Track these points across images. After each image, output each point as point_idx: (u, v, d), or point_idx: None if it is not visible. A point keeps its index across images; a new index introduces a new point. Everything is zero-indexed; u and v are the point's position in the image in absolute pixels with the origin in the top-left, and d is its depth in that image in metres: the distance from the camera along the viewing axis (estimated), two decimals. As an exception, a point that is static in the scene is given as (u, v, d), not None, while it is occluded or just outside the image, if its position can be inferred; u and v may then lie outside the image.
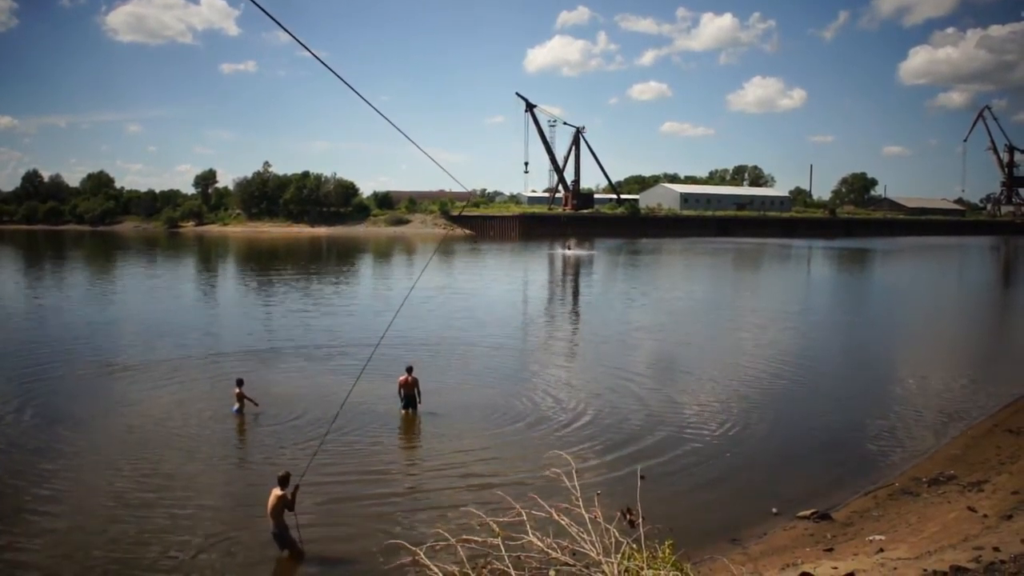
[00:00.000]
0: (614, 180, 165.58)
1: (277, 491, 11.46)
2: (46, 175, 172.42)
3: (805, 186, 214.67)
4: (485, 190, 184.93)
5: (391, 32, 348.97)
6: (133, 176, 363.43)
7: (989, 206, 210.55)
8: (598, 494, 7.74)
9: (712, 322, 37.83)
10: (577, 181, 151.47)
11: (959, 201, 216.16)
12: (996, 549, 9.63)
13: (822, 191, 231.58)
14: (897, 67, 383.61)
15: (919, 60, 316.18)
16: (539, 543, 6.95)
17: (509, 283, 59.24)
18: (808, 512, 13.31)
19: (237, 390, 18.80)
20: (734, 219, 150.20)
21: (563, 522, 7.16)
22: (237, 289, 53.78)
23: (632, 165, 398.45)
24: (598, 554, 6.76)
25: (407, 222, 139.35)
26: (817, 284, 63.60)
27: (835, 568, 9.77)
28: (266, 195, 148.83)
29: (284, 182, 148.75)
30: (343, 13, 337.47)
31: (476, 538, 7.22)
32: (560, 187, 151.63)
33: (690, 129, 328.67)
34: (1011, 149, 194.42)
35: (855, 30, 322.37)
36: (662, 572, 6.64)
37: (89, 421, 18.68)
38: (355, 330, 32.17)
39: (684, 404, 20.77)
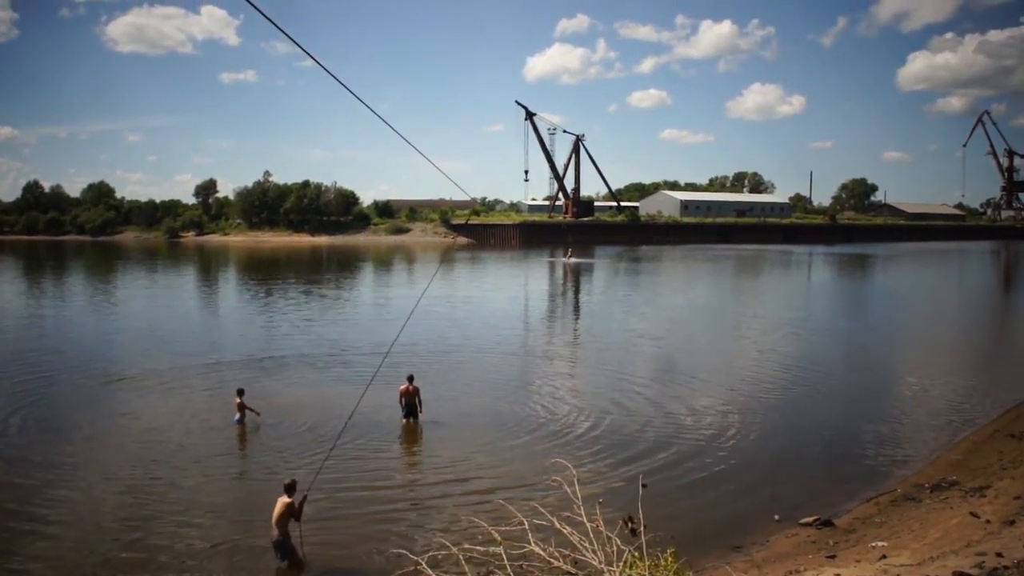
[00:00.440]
0: (614, 187, 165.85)
1: (284, 499, 11.41)
2: (46, 185, 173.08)
3: (805, 192, 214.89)
4: (485, 198, 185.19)
5: (390, 40, 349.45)
6: (133, 186, 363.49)
7: (989, 211, 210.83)
8: (600, 502, 7.74)
9: (713, 329, 37.83)
10: (577, 189, 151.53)
11: (959, 206, 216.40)
12: (999, 555, 9.61)
13: (822, 197, 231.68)
14: (896, 72, 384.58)
15: (918, 65, 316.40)
16: (541, 552, 6.94)
17: (510, 291, 59.24)
18: (810, 519, 13.29)
19: (238, 400, 18.80)
20: (734, 226, 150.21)
21: (565, 531, 7.15)
22: (238, 299, 53.78)
23: (632, 172, 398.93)
24: (600, 563, 6.75)
25: (407, 231, 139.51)
26: (818, 290, 63.58)
27: (838, 575, 9.76)
28: (266, 204, 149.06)
29: (284, 191, 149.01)
30: (341, 21, 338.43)
31: (478, 547, 7.22)
32: (560, 195, 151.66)
33: (690, 136, 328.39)
34: (1011, 154, 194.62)
35: (854, 36, 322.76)
36: (664, 580, 6.63)
37: (89, 431, 18.68)
38: (356, 339, 32.18)
39: (685, 411, 20.73)
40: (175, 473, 15.69)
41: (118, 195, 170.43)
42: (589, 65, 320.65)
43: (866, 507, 14.19)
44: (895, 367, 28.37)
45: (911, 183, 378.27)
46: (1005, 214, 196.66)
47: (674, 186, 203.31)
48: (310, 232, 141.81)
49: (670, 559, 6.86)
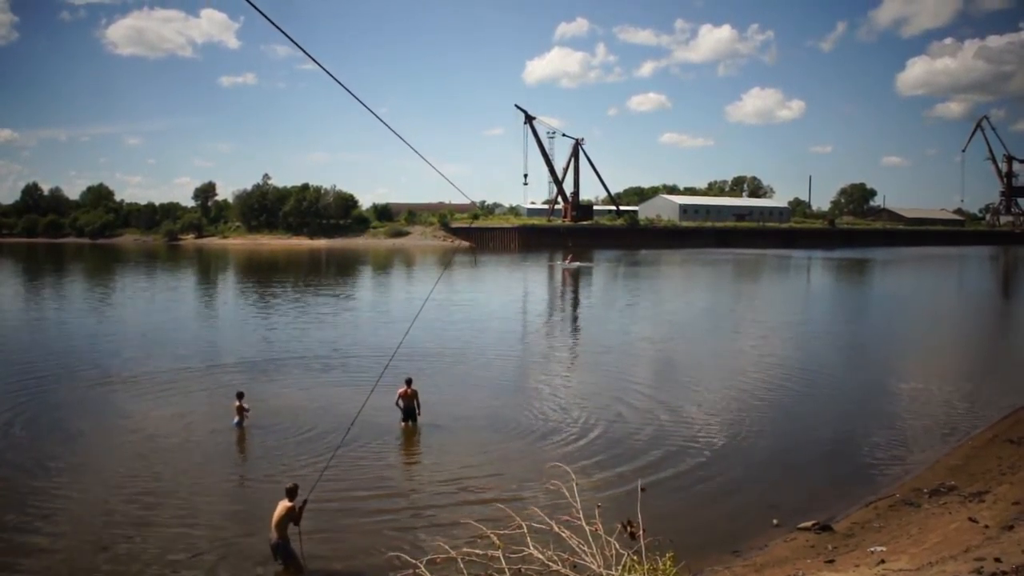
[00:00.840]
0: (613, 191, 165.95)
1: (285, 503, 11.41)
2: (46, 188, 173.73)
3: (804, 197, 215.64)
4: (485, 202, 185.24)
5: (389, 43, 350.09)
6: (133, 189, 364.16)
7: (988, 216, 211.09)
8: (599, 506, 7.74)
9: (712, 333, 37.85)
10: (576, 192, 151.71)
11: (958, 211, 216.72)
12: (997, 560, 9.61)
13: (821, 201, 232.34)
14: (895, 78, 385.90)
15: (917, 71, 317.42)
16: (540, 555, 6.95)
17: (509, 295, 59.25)
18: (809, 523, 13.28)
19: (237, 403, 18.78)
20: (733, 230, 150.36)
21: (564, 534, 7.16)
22: (237, 302, 53.75)
23: (631, 176, 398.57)
24: (599, 566, 6.75)
25: (406, 234, 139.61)
26: (817, 294, 63.64)
27: (836, 580, 9.75)
28: (266, 207, 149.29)
29: (284, 194, 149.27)
30: (341, 25, 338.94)
31: (477, 551, 7.22)
32: (559, 198, 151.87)
33: (689, 140, 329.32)
34: (1009, 159, 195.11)
35: (853, 41, 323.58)
36: (663, 584, 6.64)
37: (87, 435, 18.64)
38: (355, 343, 32.20)
39: (685, 415, 20.73)
40: (173, 477, 15.65)
41: (117, 198, 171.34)
42: (589, 69, 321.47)
43: (865, 512, 14.19)
44: (894, 372, 28.36)
45: (910, 188, 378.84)
46: (1004, 219, 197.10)
47: (673, 190, 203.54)
48: (309, 235, 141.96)
49: (669, 563, 6.87)
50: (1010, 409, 21.71)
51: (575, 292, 61.55)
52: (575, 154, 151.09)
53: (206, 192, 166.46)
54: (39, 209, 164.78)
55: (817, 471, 16.85)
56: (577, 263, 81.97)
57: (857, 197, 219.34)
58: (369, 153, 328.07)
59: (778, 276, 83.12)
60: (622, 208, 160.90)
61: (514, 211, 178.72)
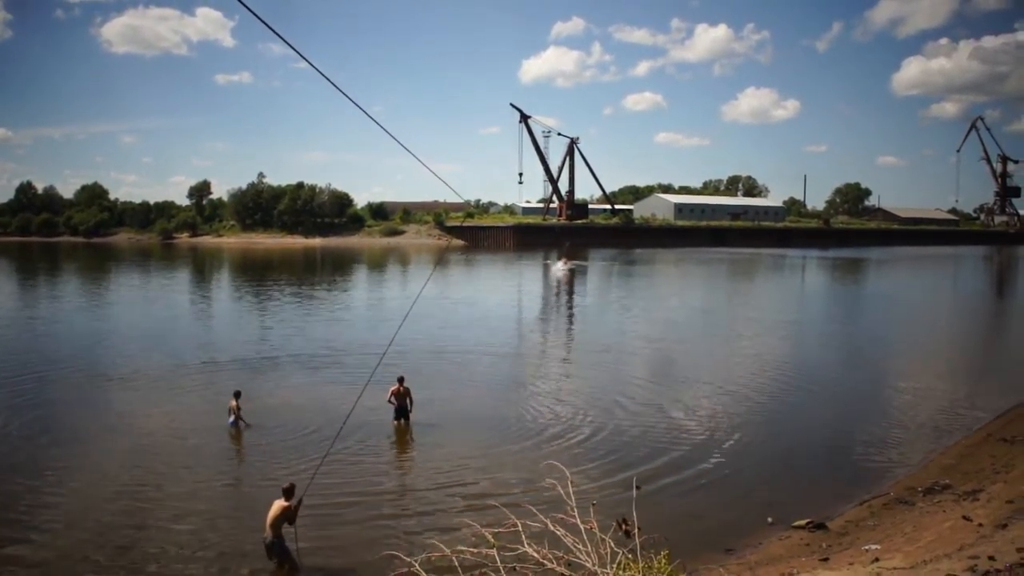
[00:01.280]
0: (608, 190, 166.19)
1: (281, 502, 11.39)
2: (40, 187, 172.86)
3: (799, 196, 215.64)
4: (480, 200, 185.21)
5: (384, 42, 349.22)
6: (127, 187, 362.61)
7: (983, 216, 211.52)
8: (594, 504, 7.73)
9: (707, 332, 37.89)
10: (572, 191, 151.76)
11: (953, 211, 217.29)
12: (991, 558, 9.63)
13: (816, 201, 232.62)
14: (891, 78, 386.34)
15: (912, 71, 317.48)
16: (535, 554, 6.93)
17: (504, 293, 59.20)
18: (803, 522, 13.30)
19: (234, 402, 18.69)
20: (728, 229, 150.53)
21: (559, 533, 7.14)
22: (232, 300, 53.67)
23: (626, 175, 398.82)
24: (594, 564, 6.74)
25: (401, 233, 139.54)
26: (812, 294, 63.76)
27: (831, 578, 9.76)
28: (260, 206, 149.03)
29: (278, 193, 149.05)
30: (336, 24, 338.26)
31: (471, 549, 7.20)
32: (554, 197, 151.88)
33: (684, 140, 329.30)
34: (1004, 159, 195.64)
35: (849, 41, 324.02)
36: (658, 582, 6.63)
37: (80, 434, 18.56)
38: (350, 341, 32.14)
39: (679, 414, 20.74)
40: (167, 476, 15.60)
41: (112, 196, 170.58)
42: (584, 68, 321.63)
43: (859, 510, 14.21)
44: (888, 371, 28.43)
45: (905, 188, 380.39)
46: (998, 219, 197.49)
47: (668, 189, 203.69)
48: (304, 234, 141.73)
49: (664, 561, 6.86)
50: (1004, 408, 21.79)
51: (570, 291, 61.56)
52: (570, 153, 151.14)
53: (201, 191, 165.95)
54: (33, 208, 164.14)
55: (812, 470, 16.89)
56: (574, 262, 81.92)
57: (852, 197, 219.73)
58: (364, 152, 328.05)
59: (773, 275, 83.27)
60: (617, 207, 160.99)
61: (509, 210, 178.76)
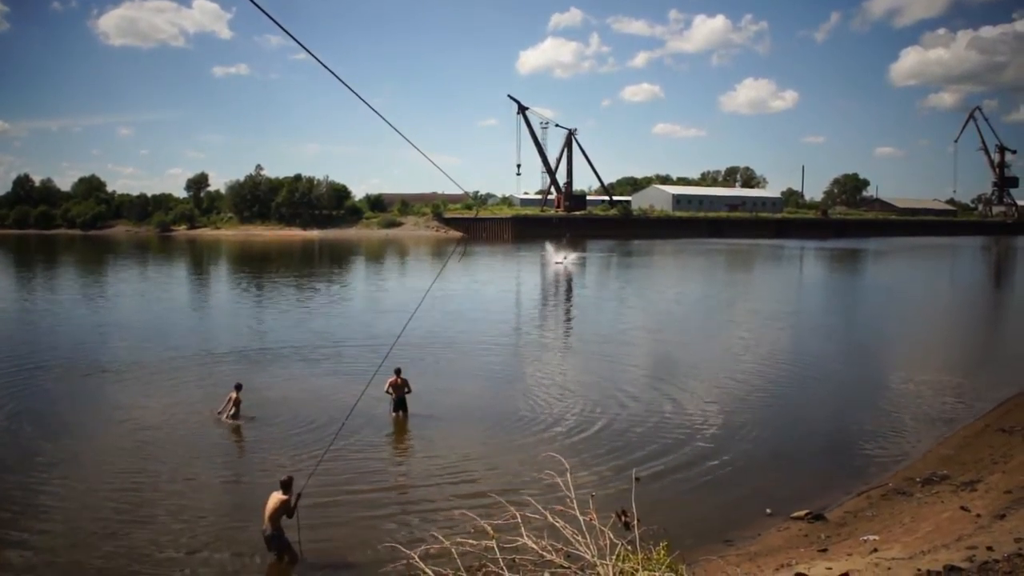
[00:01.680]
0: (606, 182, 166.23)
1: (279, 495, 11.35)
2: (37, 179, 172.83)
3: (797, 187, 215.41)
4: (478, 192, 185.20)
5: (382, 35, 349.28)
6: (125, 180, 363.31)
7: (980, 206, 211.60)
8: (593, 496, 7.72)
9: (706, 323, 37.92)
10: (569, 183, 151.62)
11: (950, 201, 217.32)
12: (990, 548, 9.66)
13: (814, 192, 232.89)
14: (888, 68, 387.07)
15: (910, 61, 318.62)
16: (534, 545, 6.93)
17: (503, 284, 59.12)
18: (802, 513, 13.32)
19: (235, 394, 18.63)
20: (726, 220, 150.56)
21: (558, 524, 7.14)
22: (230, 292, 53.58)
23: (624, 167, 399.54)
24: (593, 556, 6.74)
25: (400, 224, 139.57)
26: (810, 285, 63.77)
27: (829, 568, 9.78)
28: (258, 198, 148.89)
29: (276, 185, 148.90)
30: (334, 16, 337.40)
31: (471, 541, 7.20)
32: (552, 189, 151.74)
33: (682, 131, 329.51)
34: (1002, 149, 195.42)
35: (846, 31, 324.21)
36: (657, 573, 6.62)
37: (78, 426, 18.55)
38: (349, 333, 32.12)
39: (678, 406, 20.74)
40: (166, 468, 15.58)
41: (109, 189, 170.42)
42: (582, 59, 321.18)
43: (857, 501, 14.24)
44: (886, 362, 28.46)
45: (903, 178, 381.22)
46: (996, 210, 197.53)
47: (666, 180, 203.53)
48: (302, 226, 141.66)
49: (663, 552, 6.86)
50: (1002, 399, 21.81)
51: (569, 283, 61.51)
52: (568, 144, 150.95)
53: (198, 183, 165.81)
54: (30, 200, 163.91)
55: (810, 461, 16.91)
56: (572, 253, 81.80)
57: (850, 187, 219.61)
58: (362, 144, 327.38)
59: (771, 266, 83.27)
60: (615, 198, 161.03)
61: (507, 201, 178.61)
